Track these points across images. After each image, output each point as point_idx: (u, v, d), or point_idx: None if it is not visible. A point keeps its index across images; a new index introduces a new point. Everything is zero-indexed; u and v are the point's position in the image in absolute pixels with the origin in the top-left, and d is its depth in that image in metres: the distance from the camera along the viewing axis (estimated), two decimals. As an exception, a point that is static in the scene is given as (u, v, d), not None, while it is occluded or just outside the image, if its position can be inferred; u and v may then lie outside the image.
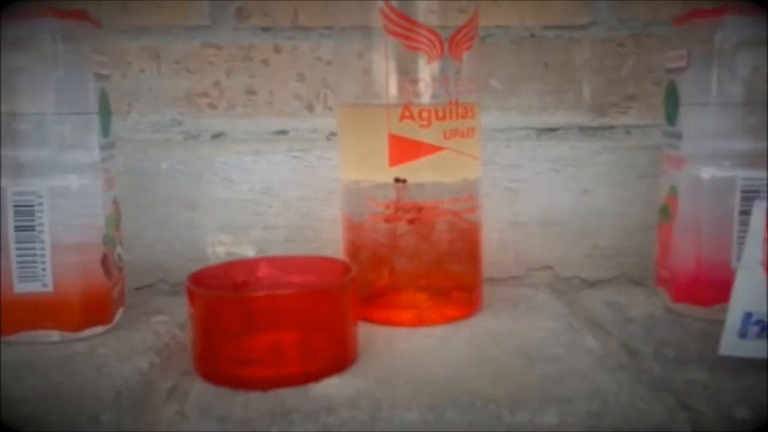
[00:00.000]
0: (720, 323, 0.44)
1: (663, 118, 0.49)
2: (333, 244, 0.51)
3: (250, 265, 0.44)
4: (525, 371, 0.39)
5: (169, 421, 0.34)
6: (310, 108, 0.59)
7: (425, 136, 0.44)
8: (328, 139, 0.58)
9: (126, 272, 0.47)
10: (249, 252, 0.55)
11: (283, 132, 0.59)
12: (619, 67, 0.59)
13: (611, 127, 0.60)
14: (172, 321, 0.46)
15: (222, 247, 0.55)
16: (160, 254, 0.55)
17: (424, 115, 0.44)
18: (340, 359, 0.39)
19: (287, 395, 0.36)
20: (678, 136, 0.47)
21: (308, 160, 0.55)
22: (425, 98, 0.44)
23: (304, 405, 0.35)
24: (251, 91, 0.58)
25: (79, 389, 0.36)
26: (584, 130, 0.60)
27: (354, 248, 0.48)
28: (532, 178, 0.56)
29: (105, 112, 0.44)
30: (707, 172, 0.45)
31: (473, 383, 0.37)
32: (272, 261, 0.44)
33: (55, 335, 0.42)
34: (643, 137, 0.60)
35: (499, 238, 0.56)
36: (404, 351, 0.42)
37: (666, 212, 0.48)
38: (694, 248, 0.46)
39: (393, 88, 0.44)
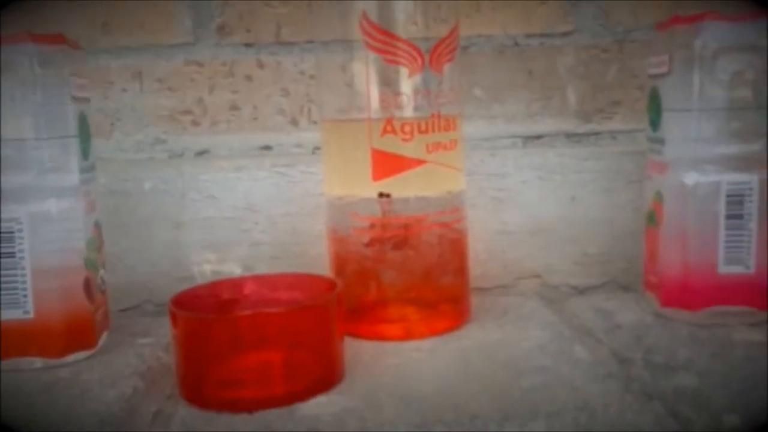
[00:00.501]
0: (708, 327, 0.44)
1: (647, 135, 0.49)
2: (320, 260, 0.50)
3: (234, 284, 0.44)
4: (513, 384, 0.38)
5: (153, 447, 0.34)
6: (294, 122, 0.59)
7: (408, 150, 0.44)
8: (312, 153, 0.58)
9: (110, 293, 0.47)
10: (235, 270, 0.54)
11: (267, 147, 0.59)
12: (603, 73, 0.59)
13: (597, 133, 0.60)
14: (156, 343, 0.46)
15: (208, 265, 0.54)
16: (145, 275, 0.54)
17: (407, 128, 0.44)
18: (327, 377, 0.39)
19: (273, 416, 0.35)
20: (661, 141, 0.46)
21: (292, 175, 0.55)
22: (407, 111, 0.44)
23: (290, 426, 0.34)
24: (235, 107, 0.58)
25: (62, 417, 0.35)
26: (570, 136, 0.60)
27: (340, 263, 0.47)
28: (519, 187, 0.56)
29: (85, 135, 0.43)
30: (691, 178, 0.45)
31: (461, 398, 0.37)
32: (256, 280, 0.44)
33: (38, 362, 0.41)
34: (630, 142, 0.60)
35: (485, 248, 0.56)
36: (392, 366, 0.41)
37: (652, 218, 0.48)
38: (681, 253, 0.45)
39: (375, 102, 0.44)
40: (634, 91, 0.59)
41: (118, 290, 0.51)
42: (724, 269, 0.45)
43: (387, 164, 0.44)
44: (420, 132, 0.44)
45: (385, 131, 0.44)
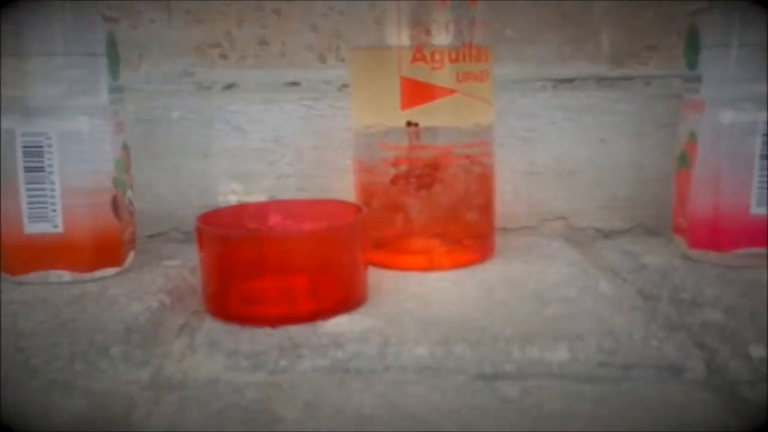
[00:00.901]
0: (737, 269, 0.43)
1: (684, 68, 0.48)
2: (345, 194, 0.50)
3: (261, 206, 0.44)
4: (536, 311, 0.38)
5: (179, 354, 0.34)
6: (323, 59, 0.58)
7: (438, 78, 0.44)
8: (340, 90, 0.57)
9: (138, 220, 0.47)
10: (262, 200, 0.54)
11: (294, 83, 0.58)
12: (639, 17, 0.58)
13: (630, 78, 0.59)
14: (183, 265, 0.46)
15: (234, 195, 0.55)
16: (172, 203, 0.55)
17: (437, 56, 0.43)
18: (350, 299, 0.39)
19: (296, 331, 0.36)
20: (698, 80, 0.45)
21: (321, 109, 0.55)
22: (438, 39, 0.44)
23: (313, 340, 0.35)
24: (263, 42, 0.58)
25: (89, 324, 0.36)
26: (602, 81, 0.59)
27: (366, 195, 0.47)
28: (548, 128, 0.55)
29: (113, 55, 0.43)
30: (727, 116, 0.44)
31: (484, 322, 0.37)
32: (283, 203, 0.44)
33: (66, 276, 0.42)
34: (664, 88, 0.58)
35: (513, 188, 0.56)
36: (415, 293, 0.41)
37: (684, 159, 0.47)
38: (713, 194, 0.45)
39: (405, 30, 0.44)
40: (671, 36, 0.58)
41: (145, 217, 0.51)
42: (756, 210, 0.44)
43: (416, 93, 0.44)
44: (450, 60, 0.43)
45: (414, 59, 0.43)
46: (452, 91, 0.44)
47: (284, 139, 0.55)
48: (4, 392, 0.20)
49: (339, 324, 0.37)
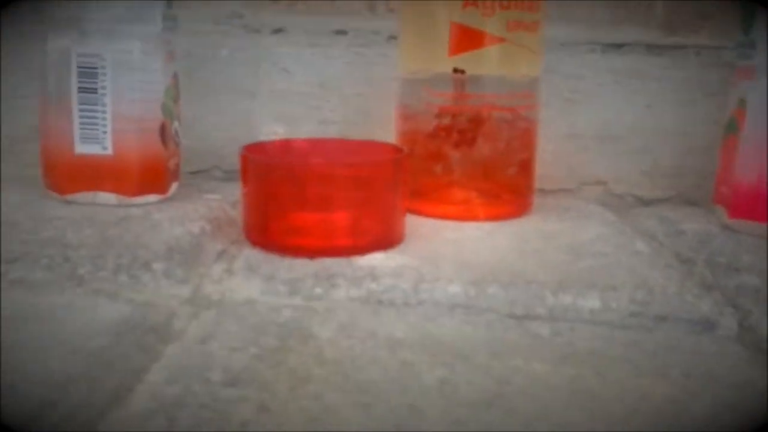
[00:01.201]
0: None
1: (737, 39, 0.47)
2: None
3: (305, 144, 0.44)
4: (570, 262, 0.38)
5: (217, 276, 0.35)
6: (372, 8, 0.58)
7: (488, 25, 0.43)
8: (387, 41, 0.57)
9: (182, 156, 0.48)
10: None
11: (342, 32, 0.58)
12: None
13: (682, 47, 0.58)
14: (224, 199, 0.47)
15: (276, 137, 0.55)
16: (216, 140, 0.55)
17: (488, 3, 0.43)
18: (388, 237, 0.39)
19: (333, 263, 0.36)
20: (752, 45, 0.45)
21: (368, 56, 0.55)
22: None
23: (349, 271, 0.35)
24: (314, -12, 0.58)
25: (133, 242, 0.37)
26: (652, 48, 0.58)
27: (407, 143, 0.47)
28: (594, 90, 0.55)
29: (169, -17, 0.44)
30: (780, 83, 0.43)
31: (517, 268, 0.37)
32: (326, 141, 0.44)
33: (112, 198, 0.43)
34: (714, 58, 0.57)
35: (553, 149, 0.55)
36: (451, 238, 0.42)
37: (733, 125, 0.47)
38: (759, 162, 0.44)
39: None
40: (725, 6, 0.57)
41: (189, 153, 0.52)
42: (801, 181, 0.43)
43: (465, 39, 0.44)
44: (502, 8, 0.43)
45: (466, 4, 0.43)
46: (502, 39, 0.44)
47: (329, 84, 0.55)
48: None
49: (375, 259, 0.37)
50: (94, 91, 0.42)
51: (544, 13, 0.46)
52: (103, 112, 0.42)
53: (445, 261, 0.38)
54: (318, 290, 0.34)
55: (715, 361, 0.30)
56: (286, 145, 0.44)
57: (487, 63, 0.44)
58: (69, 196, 0.43)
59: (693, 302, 0.34)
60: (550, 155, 0.56)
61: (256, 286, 0.34)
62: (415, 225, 0.43)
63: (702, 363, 0.29)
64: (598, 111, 0.55)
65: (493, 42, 0.44)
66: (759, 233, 0.45)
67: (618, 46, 0.58)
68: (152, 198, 0.44)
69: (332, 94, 0.55)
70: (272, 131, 0.55)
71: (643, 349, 0.30)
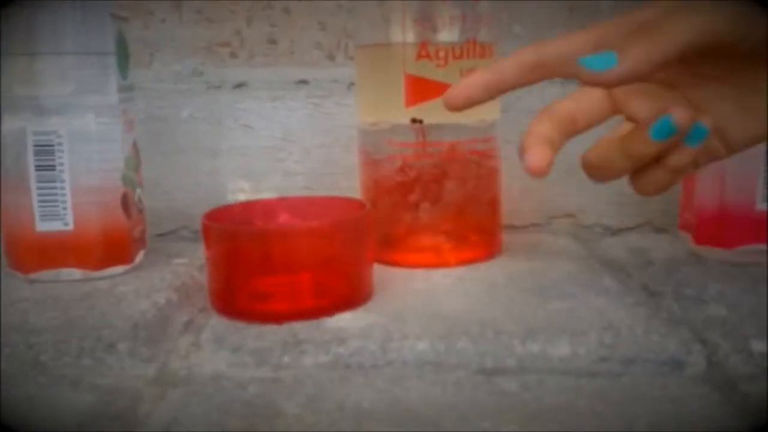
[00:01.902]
0: (742, 265, 0.43)
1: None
2: (352, 191, 0.50)
3: (266, 204, 0.44)
4: (539, 306, 0.38)
5: (184, 351, 0.35)
6: (331, 57, 0.58)
7: (442, 75, 0.44)
8: (348, 88, 0.58)
9: (148, 219, 0.48)
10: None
11: (303, 81, 0.59)
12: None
13: (638, 74, 0.59)
14: (191, 263, 0.47)
15: (242, 194, 0.55)
16: (182, 201, 0.55)
17: (441, 54, 0.44)
18: (355, 295, 0.39)
19: (300, 328, 0.36)
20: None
21: (328, 107, 0.55)
22: (443, 37, 0.44)
23: (317, 335, 0.35)
24: (272, 40, 0.58)
25: (97, 321, 0.37)
26: (610, 77, 0.59)
27: (372, 191, 0.48)
28: (555, 124, 0.55)
29: (123, 53, 0.44)
30: (733, 111, 0.44)
31: (486, 317, 0.37)
32: (288, 200, 0.44)
33: (76, 273, 0.43)
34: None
35: (520, 186, 0.56)
36: (419, 289, 0.42)
37: (690, 154, 0.47)
38: (719, 190, 0.45)
39: (410, 27, 0.44)
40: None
41: (155, 215, 0.52)
42: (761, 206, 0.44)
43: (421, 90, 0.44)
44: (454, 57, 0.44)
45: (419, 56, 0.44)
46: (456, 89, 0.44)
47: (292, 137, 0.55)
48: (5, 392, 0.21)
49: (343, 320, 0.37)
50: (51, 168, 0.42)
51: (497, 59, 0.46)
52: (63, 188, 0.42)
53: (414, 315, 0.37)
54: (286, 359, 0.34)
55: (682, 406, 0.30)
56: (247, 208, 0.43)
57: (445, 112, 0.44)
58: (32, 275, 0.43)
59: (660, 342, 0.34)
60: (518, 191, 0.56)
61: (222, 359, 0.34)
62: (384, 277, 0.43)
63: (669, 410, 0.29)
64: (560, 144, 0.55)
65: (447, 90, 0.44)
66: (724, 259, 0.45)
67: (576, 77, 0.58)
68: (118, 269, 0.44)
69: (295, 146, 0.55)
70: (238, 188, 0.55)
71: (609, 400, 0.30)
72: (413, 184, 0.46)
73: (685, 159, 0.34)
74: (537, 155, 0.33)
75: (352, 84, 0.57)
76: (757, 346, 0.34)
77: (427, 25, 0.44)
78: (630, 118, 0.36)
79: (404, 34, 0.44)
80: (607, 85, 0.31)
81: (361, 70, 0.47)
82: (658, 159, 0.34)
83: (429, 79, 0.44)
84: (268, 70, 0.58)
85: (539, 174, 0.32)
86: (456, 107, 0.35)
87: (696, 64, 0.33)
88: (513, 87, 0.34)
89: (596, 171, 0.36)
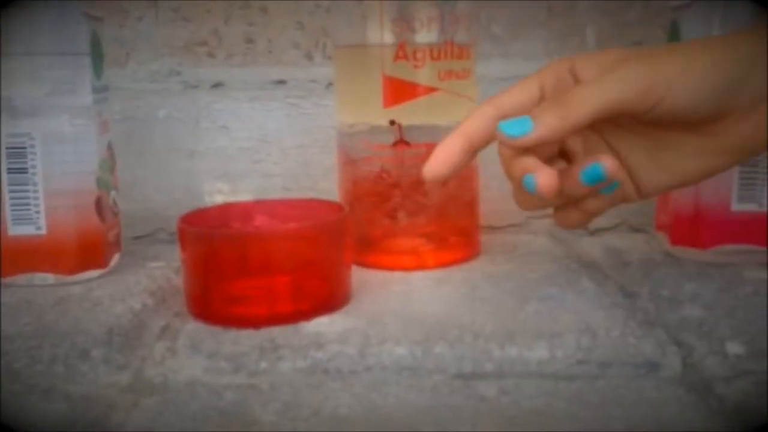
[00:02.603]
0: (718, 265, 0.43)
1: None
2: (330, 193, 0.50)
3: (243, 206, 0.44)
4: (518, 309, 0.38)
5: (159, 357, 0.35)
6: (309, 57, 0.58)
7: (419, 76, 0.44)
8: (327, 88, 0.57)
9: (124, 221, 0.48)
10: (247, 199, 0.55)
11: (281, 82, 0.58)
12: (624, 12, 0.58)
13: (616, 74, 0.59)
14: (168, 266, 0.46)
15: (220, 195, 0.55)
16: (158, 203, 0.55)
17: (419, 55, 0.44)
18: (333, 299, 0.39)
19: (278, 332, 0.36)
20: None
21: (306, 107, 0.55)
22: (421, 38, 0.44)
23: (294, 340, 0.35)
24: (249, 40, 0.58)
25: (71, 327, 0.36)
26: (588, 77, 0.59)
27: (350, 193, 0.47)
28: (533, 125, 0.55)
29: (97, 54, 0.44)
30: (709, 112, 0.44)
31: (465, 320, 0.37)
32: (265, 203, 0.44)
33: (50, 278, 0.42)
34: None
35: (499, 186, 0.56)
36: (398, 292, 0.42)
37: (667, 155, 0.47)
38: (694, 190, 0.45)
39: (388, 28, 0.44)
40: (656, 30, 0.58)
41: (131, 218, 0.52)
42: (737, 207, 0.44)
43: (398, 91, 0.44)
44: (432, 58, 0.44)
45: (397, 57, 0.43)
46: (434, 89, 0.44)
47: (269, 138, 0.55)
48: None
49: (321, 324, 0.37)
50: (24, 171, 0.41)
51: (474, 60, 0.46)
52: (35, 191, 0.41)
53: (393, 319, 0.37)
54: (263, 364, 0.34)
55: (658, 408, 0.30)
56: (223, 211, 0.43)
57: (423, 113, 0.44)
58: (5, 280, 0.42)
59: (636, 344, 0.34)
60: (497, 192, 0.56)
61: (198, 365, 0.34)
62: (362, 279, 0.43)
63: (645, 413, 0.29)
64: (539, 145, 0.55)
65: (426, 92, 0.44)
66: (700, 259, 0.45)
67: (555, 77, 0.59)
68: (92, 273, 0.43)
69: (273, 147, 0.55)
70: (215, 189, 0.55)
71: (586, 403, 0.30)
72: (392, 186, 0.46)
73: (599, 204, 0.36)
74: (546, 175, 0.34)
75: (331, 84, 0.56)
76: (733, 347, 0.34)
77: (405, 25, 0.44)
78: (565, 152, 0.38)
79: (382, 35, 0.44)
80: (519, 147, 0.34)
81: (340, 72, 0.47)
82: (576, 201, 0.36)
83: (407, 80, 0.44)
84: (246, 69, 0.58)
85: (551, 192, 0.34)
86: (441, 178, 0.37)
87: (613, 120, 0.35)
88: (487, 144, 0.37)
89: (526, 200, 0.38)
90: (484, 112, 0.36)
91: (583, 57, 0.37)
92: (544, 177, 0.33)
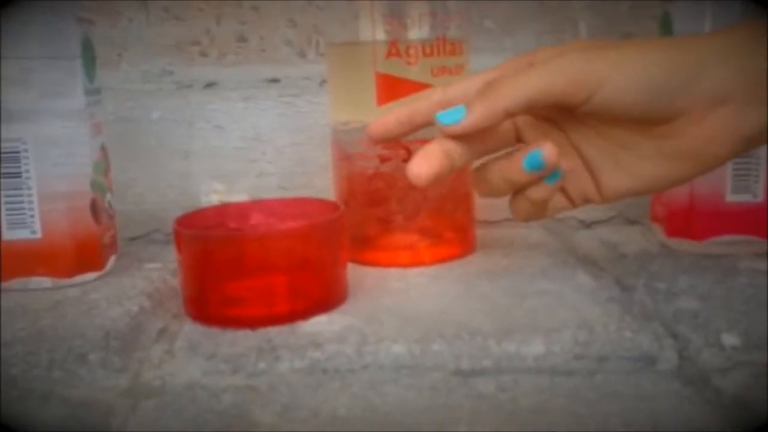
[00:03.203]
0: (713, 256, 0.44)
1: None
2: (326, 190, 0.50)
3: (239, 207, 0.44)
4: (515, 305, 0.38)
5: (157, 360, 0.35)
6: (302, 54, 0.58)
7: (412, 73, 0.44)
8: (320, 85, 0.57)
9: (120, 222, 0.47)
10: (242, 199, 0.54)
11: (275, 80, 0.58)
12: (616, 5, 0.58)
13: (609, 66, 0.59)
14: (164, 268, 0.46)
15: (215, 195, 0.55)
16: (154, 204, 0.55)
17: (411, 51, 0.44)
18: (329, 298, 0.39)
19: (275, 333, 0.36)
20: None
21: (300, 105, 0.55)
22: (412, 34, 0.44)
23: (291, 341, 0.35)
24: (242, 39, 0.58)
25: (68, 331, 0.36)
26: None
27: (345, 191, 0.47)
28: (527, 119, 0.55)
29: (89, 56, 0.43)
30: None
31: (462, 317, 0.37)
32: (260, 203, 0.44)
33: (46, 282, 0.42)
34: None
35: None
36: (394, 289, 0.42)
37: (661, 147, 0.47)
38: (689, 182, 0.45)
39: (380, 25, 0.44)
40: (648, 23, 0.58)
41: (126, 219, 0.52)
42: (731, 198, 0.44)
43: (392, 88, 0.44)
44: (425, 55, 0.44)
45: (389, 54, 0.43)
46: (427, 86, 0.44)
47: (264, 137, 0.55)
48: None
49: (318, 323, 0.37)
50: (18, 175, 0.41)
51: (467, 55, 0.46)
52: (29, 195, 0.41)
53: (390, 317, 0.37)
54: (261, 365, 0.34)
55: (655, 402, 0.30)
56: (219, 211, 0.43)
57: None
58: (1, 284, 0.42)
59: (633, 338, 0.35)
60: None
61: (197, 367, 0.34)
62: (358, 277, 0.43)
63: (642, 407, 0.30)
64: (533, 139, 0.55)
65: (419, 89, 0.44)
66: (695, 250, 0.45)
67: (548, 71, 0.59)
68: (89, 276, 0.43)
69: (267, 146, 0.55)
70: (211, 189, 0.55)
71: (583, 399, 0.30)
72: (387, 183, 0.46)
73: (542, 193, 0.37)
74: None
75: (324, 81, 0.56)
76: (729, 339, 0.34)
77: (396, 22, 0.44)
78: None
79: (374, 32, 0.44)
80: (454, 135, 0.35)
81: (332, 70, 0.47)
82: (522, 190, 0.37)
83: (400, 77, 0.44)
84: (239, 68, 0.58)
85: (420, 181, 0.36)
86: (374, 140, 0.40)
87: (569, 111, 0.35)
88: (426, 123, 0.38)
89: (480, 185, 0.38)
90: (429, 95, 0.38)
91: (543, 49, 0.37)
92: (548, 147, 0.34)
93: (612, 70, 0.33)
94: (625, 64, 0.34)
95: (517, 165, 0.35)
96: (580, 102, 0.34)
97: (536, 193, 0.36)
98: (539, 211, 0.38)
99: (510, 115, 0.34)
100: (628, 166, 0.36)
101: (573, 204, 0.39)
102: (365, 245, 0.46)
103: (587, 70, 0.34)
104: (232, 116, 0.55)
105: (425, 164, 0.36)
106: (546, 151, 0.34)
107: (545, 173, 0.35)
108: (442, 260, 0.46)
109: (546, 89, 0.34)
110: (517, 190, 0.37)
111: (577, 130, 0.37)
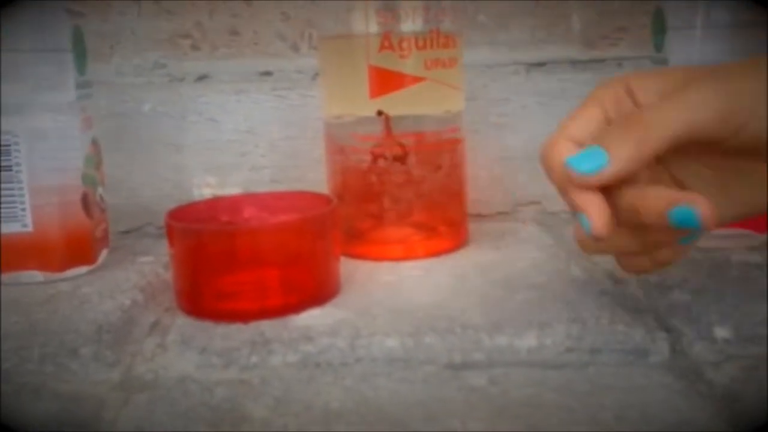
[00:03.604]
0: (706, 250, 0.44)
1: (651, 57, 0.48)
2: (319, 184, 0.50)
3: (232, 200, 0.44)
4: (507, 298, 0.38)
5: (149, 353, 0.35)
6: (295, 48, 0.58)
7: (405, 66, 0.44)
8: (313, 79, 0.57)
9: (112, 216, 0.47)
10: (235, 193, 0.54)
11: (267, 73, 0.58)
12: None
13: (602, 60, 0.59)
14: (157, 261, 0.46)
15: (208, 189, 0.55)
16: (146, 197, 0.54)
17: (404, 44, 0.43)
18: (322, 291, 0.39)
19: (267, 326, 0.36)
20: (664, 62, 0.46)
21: (293, 99, 0.55)
22: (405, 26, 0.43)
23: (284, 335, 0.35)
24: (234, 32, 0.57)
25: (60, 325, 0.36)
26: (575, 63, 0.59)
27: (338, 185, 0.47)
28: (520, 112, 0.55)
29: (80, 50, 0.43)
30: (694, 98, 0.44)
31: (454, 311, 0.37)
32: (253, 196, 0.44)
33: (38, 276, 0.42)
34: (635, 69, 0.58)
35: (487, 174, 0.56)
36: (387, 282, 0.42)
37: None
38: None
39: (373, 17, 0.43)
40: (641, 17, 0.58)
41: (119, 212, 0.51)
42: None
43: (385, 81, 0.44)
44: (418, 48, 0.43)
45: (382, 47, 0.43)
46: (421, 79, 0.44)
47: (257, 130, 0.55)
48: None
49: (310, 317, 0.37)
50: (9, 168, 0.41)
51: (461, 49, 0.46)
52: (20, 189, 0.41)
53: (382, 310, 0.37)
54: (254, 359, 0.34)
55: (647, 395, 0.30)
56: (212, 205, 0.43)
57: (409, 103, 0.44)
58: (1, 278, 0.42)
59: (625, 331, 0.35)
60: (485, 180, 0.56)
61: (189, 360, 0.34)
62: (351, 270, 0.43)
63: (634, 401, 0.30)
64: (526, 132, 0.56)
65: (412, 82, 0.44)
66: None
67: (541, 65, 0.59)
68: (81, 270, 0.43)
69: (260, 140, 0.55)
70: (204, 183, 0.55)
71: (575, 392, 0.30)
72: (380, 176, 0.46)
73: (675, 257, 0.33)
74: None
75: (317, 75, 0.56)
76: (721, 332, 0.34)
77: (389, 15, 0.44)
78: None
79: (367, 24, 0.44)
80: (596, 184, 0.30)
81: (325, 63, 0.47)
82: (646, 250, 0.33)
83: (393, 70, 0.44)
84: (231, 61, 0.57)
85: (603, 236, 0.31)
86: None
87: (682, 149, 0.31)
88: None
89: (599, 245, 0.33)
90: (560, 149, 0.33)
91: (638, 76, 0.33)
92: (596, 216, 0.29)
93: (755, 103, 0.30)
94: (763, 94, 0.30)
95: (657, 212, 0.30)
96: (730, 135, 0.30)
97: (667, 256, 0.33)
98: (656, 269, 0.34)
99: (656, 156, 0.30)
100: (735, 194, 0.33)
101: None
102: (358, 239, 0.46)
103: (739, 99, 0.29)
104: (225, 110, 0.54)
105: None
106: (703, 210, 0.29)
107: (688, 234, 0.31)
108: (435, 254, 0.46)
109: (698, 122, 0.29)
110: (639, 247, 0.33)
111: (681, 162, 0.33)
